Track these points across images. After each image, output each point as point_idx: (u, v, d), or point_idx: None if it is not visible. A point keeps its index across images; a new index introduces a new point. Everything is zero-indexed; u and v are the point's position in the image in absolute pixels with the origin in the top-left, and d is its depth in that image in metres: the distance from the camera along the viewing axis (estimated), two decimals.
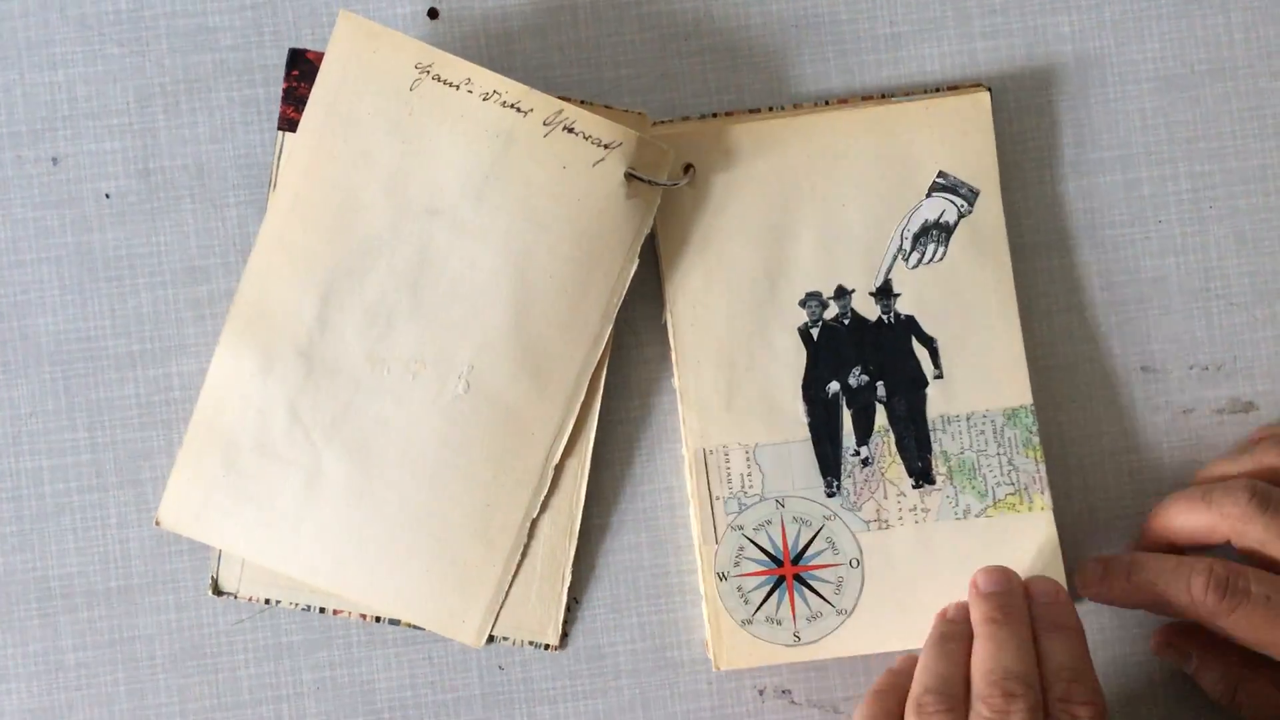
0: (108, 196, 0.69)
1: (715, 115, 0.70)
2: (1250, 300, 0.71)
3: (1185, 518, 0.66)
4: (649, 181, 0.68)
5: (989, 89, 0.70)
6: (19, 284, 0.69)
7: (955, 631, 0.65)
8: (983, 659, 0.63)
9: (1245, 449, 0.69)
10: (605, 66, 0.70)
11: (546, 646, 0.69)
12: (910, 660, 0.66)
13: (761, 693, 0.70)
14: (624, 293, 0.68)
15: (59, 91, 0.69)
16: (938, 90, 0.70)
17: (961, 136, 0.70)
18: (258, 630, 0.69)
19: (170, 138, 0.70)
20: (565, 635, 0.70)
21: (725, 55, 0.71)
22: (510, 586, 0.69)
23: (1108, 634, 0.70)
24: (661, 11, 0.70)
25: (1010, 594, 0.65)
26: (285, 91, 0.69)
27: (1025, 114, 0.71)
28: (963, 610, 0.66)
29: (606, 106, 0.69)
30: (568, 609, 0.70)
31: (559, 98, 0.68)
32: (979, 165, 0.70)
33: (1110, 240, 0.71)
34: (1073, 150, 0.71)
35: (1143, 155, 0.71)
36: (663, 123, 0.70)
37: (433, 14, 0.70)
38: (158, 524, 0.68)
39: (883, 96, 0.70)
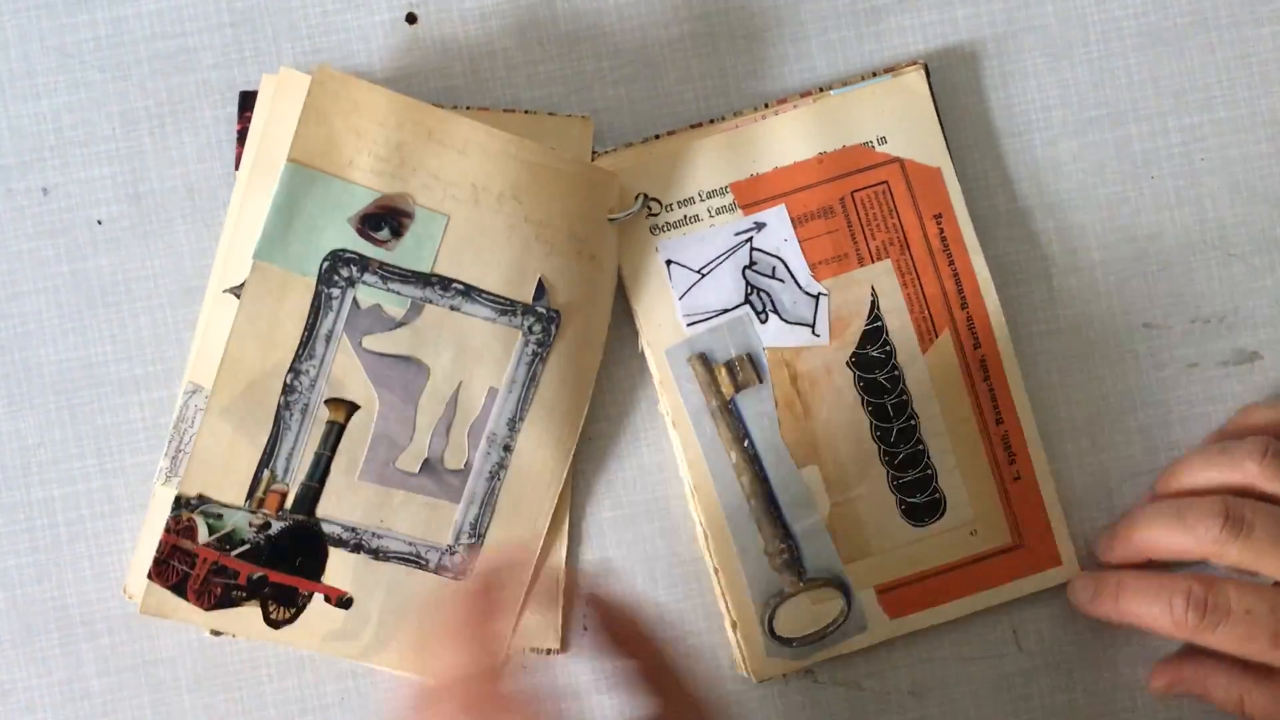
0: (100, 223, 0.70)
1: (658, 137, 0.69)
2: (1248, 250, 0.71)
3: (1163, 538, 0.66)
4: (624, 217, 0.68)
5: (924, 65, 0.69)
6: (18, 316, 0.69)
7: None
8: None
9: (1225, 447, 0.68)
10: (586, 60, 0.70)
11: (548, 651, 0.69)
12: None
13: (785, 675, 0.70)
14: (607, 326, 0.69)
15: (44, 121, 0.70)
16: (875, 75, 0.70)
17: (905, 119, 0.69)
18: (278, 645, 0.69)
19: (158, 160, 0.70)
20: (566, 637, 0.70)
21: (705, 40, 0.70)
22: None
23: (1109, 653, 0.70)
24: (639, 1, 0.70)
25: None
26: (239, 134, 0.69)
27: (1011, 78, 0.71)
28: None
29: (550, 114, 0.69)
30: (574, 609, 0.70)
31: (511, 110, 0.68)
32: (928, 144, 0.69)
33: (1104, 199, 0.71)
34: (1060, 111, 0.71)
35: (1131, 111, 0.71)
36: (607, 152, 0.69)
37: (411, 19, 0.70)
38: (130, 598, 0.68)
39: (820, 90, 0.70)
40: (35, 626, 0.69)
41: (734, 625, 0.69)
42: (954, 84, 0.71)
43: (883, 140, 0.69)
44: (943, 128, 0.69)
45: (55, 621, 0.69)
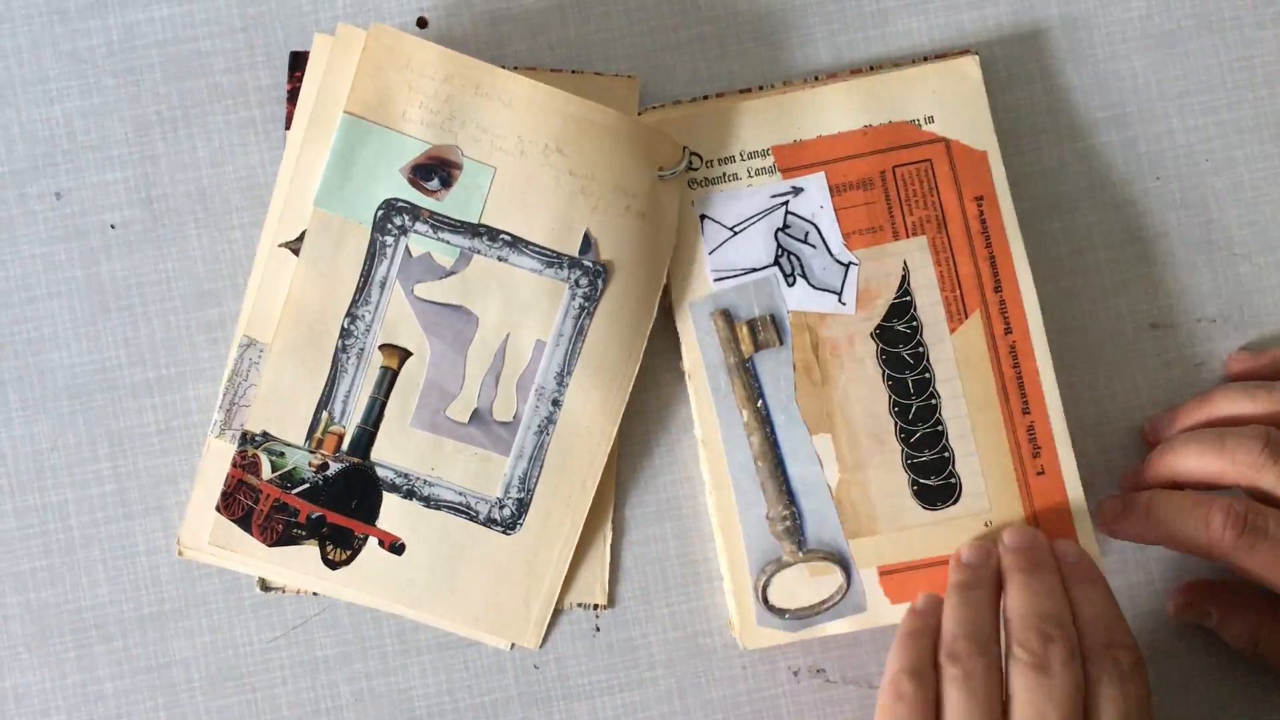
0: (113, 227, 0.70)
1: (706, 97, 0.71)
2: (1253, 250, 0.71)
3: (1197, 461, 0.66)
4: (671, 174, 0.69)
5: (976, 53, 0.70)
6: (32, 320, 0.70)
7: (977, 578, 0.65)
8: (1018, 605, 0.63)
9: (1260, 386, 0.68)
10: (596, 62, 0.71)
11: (596, 607, 0.70)
12: (933, 600, 0.65)
13: (796, 673, 0.70)
14: (663, 283, 0.69)
15: (57, 126, 0.70)
16: (925, 59, 0.71)
17: (955, 101, 0.70)
18: (293, 646, 0.70)
19: (171, 164, 0.70)
20: (613, 593, 0.70)
21: (714, 43, 0.71)
22: (564, 581, 0.70)
23: (1126, 593, 0.70)
24: (648, 4, 0.71)
25: (1036, 547, 0.65)
26: (290, 93, 0.69)
27: (1017, 81, 0.71)
28: (980, 554, 0.66)
29: (597, 74, 0.70)
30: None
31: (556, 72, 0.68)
32: (977, 128, 0.70)
33: (1110, 200, 0.71)
34: (1067, 114, 0.71)
35: (1136, 113, 0.71)
36: (652, 108, 0.70)
37: (422, 23, 0.70)
38: (180, 554, 0.69)
39: (871, 69, 0.71)
40: (49, 630, 0.69)
41: (730, 588, 0.69)
42: None
43: (930, 120, 0.70)
44: (993, 114, 0.70)
45: (69, 625, 0.69)
